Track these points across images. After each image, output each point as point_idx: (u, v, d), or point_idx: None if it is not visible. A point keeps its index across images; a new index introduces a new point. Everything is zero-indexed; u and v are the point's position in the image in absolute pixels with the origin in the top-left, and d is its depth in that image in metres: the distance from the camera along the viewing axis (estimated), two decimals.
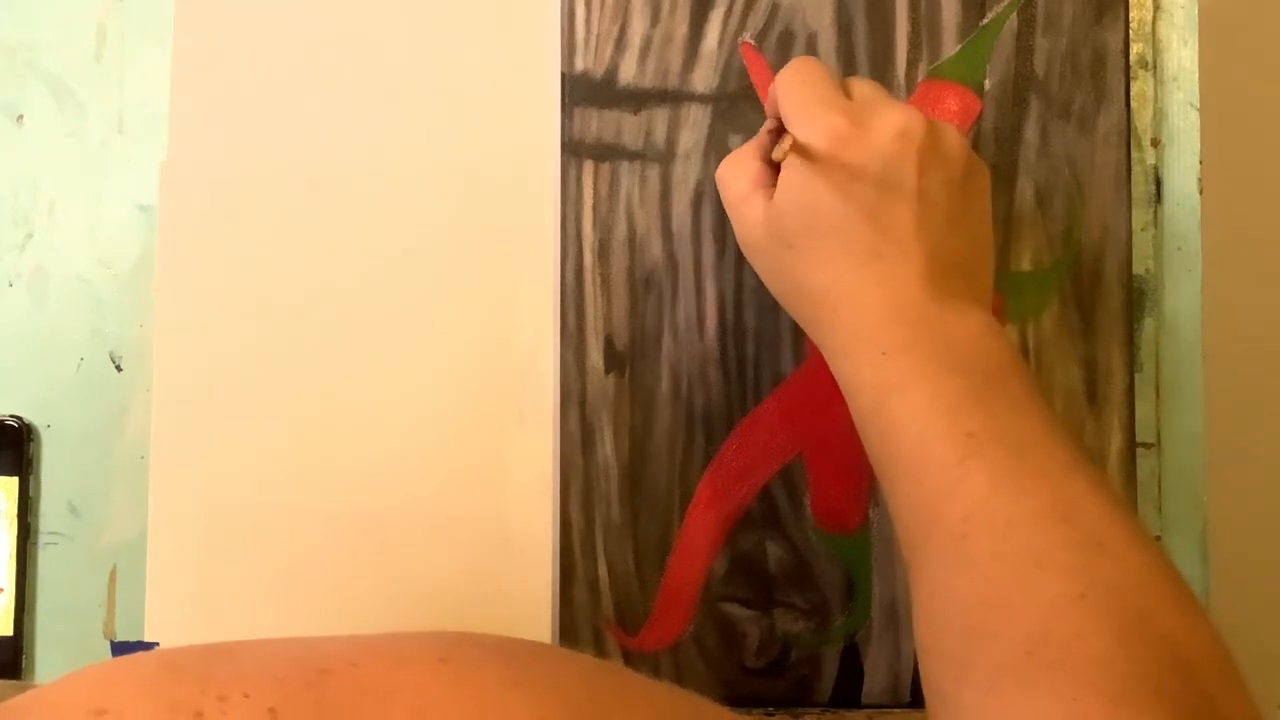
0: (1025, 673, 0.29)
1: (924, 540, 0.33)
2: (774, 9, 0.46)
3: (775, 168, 0.38)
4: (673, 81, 0.46)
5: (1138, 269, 0.46)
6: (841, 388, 0.37)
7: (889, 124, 0.36)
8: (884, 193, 0.36)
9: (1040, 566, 0.30)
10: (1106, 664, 0.28)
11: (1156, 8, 0.47)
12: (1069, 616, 0.29)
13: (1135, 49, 0.46)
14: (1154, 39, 0.47)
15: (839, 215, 0.36)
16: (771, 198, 0.38)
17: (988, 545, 0.31)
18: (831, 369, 0.37)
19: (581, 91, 0.46)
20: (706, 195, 0.46)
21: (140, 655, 0.22)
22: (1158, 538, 0.45)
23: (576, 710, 0.20)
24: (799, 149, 0.36)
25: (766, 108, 0.41)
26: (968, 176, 0.37)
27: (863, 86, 0.39)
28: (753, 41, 0.46)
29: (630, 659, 0.45)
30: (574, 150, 0.46)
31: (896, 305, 0.35)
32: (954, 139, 0.37)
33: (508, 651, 0.21)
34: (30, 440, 0.46)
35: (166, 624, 0.44)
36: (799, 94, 0.38)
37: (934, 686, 0.32)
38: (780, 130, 0.38)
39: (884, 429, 0.35)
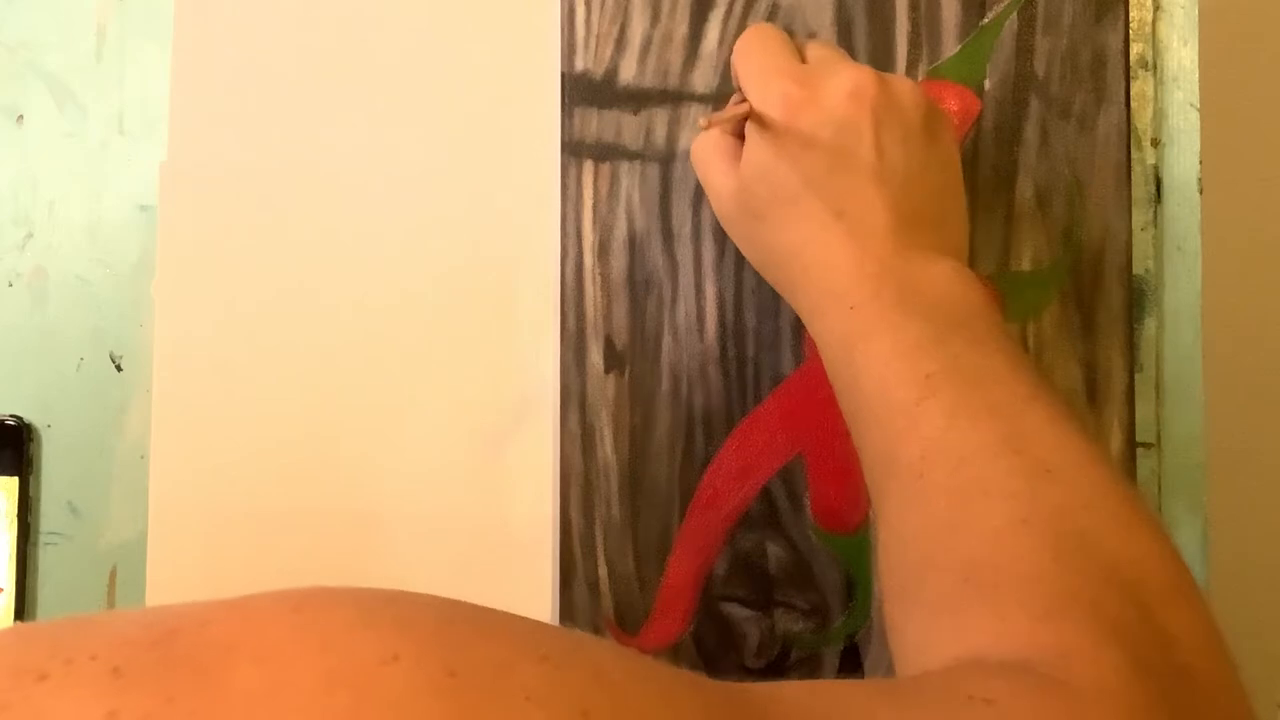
0: (962, 598, 0.29)
1: (884, 482, 0.33)
2: (774, 9, 0.46)
3: (743, 140, 0.38)
4: (673, 81, 0.46)
5: (1138, 269, 0.46)
6: (817, 347, 0.37)
7: (840, 85, 0.36)
8: (839, 156, 0.36)
9: (987, 495, 0.30)
10: (1037, 582, 0.28)
11: (1156, 8, 0.47)
12: (1008, 542, 0.29)
13: (1135, 49, 0.46)
14: (1154, 39, 0.47)
15: (796, 183, 0.36)
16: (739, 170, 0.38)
17: (939, 480, 0.31)
18: (808, 330, 0.38)
19: (581, 91, 0.46)
20: (706, 195, 0.46)
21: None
22: None
23: (431, 645, 0.20)
24: (755, 118, 0.37)
25: (734, 81, 0.41)
26: (927, 127, 0.37)
27: (817, 49, 0.39)
28: None
29: None
30: (574, 150, 0.46)
31: (862, 261, 0.36)
32: (908, 91, 0.37)
33: (363, 598, 0.21)
34: (30, 440, 0.46)
35: None
36: (754, 63, 0.38)
37: (889, 624, 0.32)
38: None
39: (849, 380, 0.35)
